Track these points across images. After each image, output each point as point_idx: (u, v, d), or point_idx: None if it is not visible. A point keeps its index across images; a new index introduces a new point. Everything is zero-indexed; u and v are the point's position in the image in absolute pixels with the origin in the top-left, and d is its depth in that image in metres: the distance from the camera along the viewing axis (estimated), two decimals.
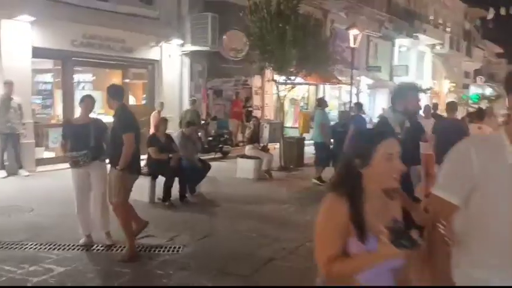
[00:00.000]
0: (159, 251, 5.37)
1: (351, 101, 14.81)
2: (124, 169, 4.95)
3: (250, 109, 14.79)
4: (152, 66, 13.04)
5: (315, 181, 9.68)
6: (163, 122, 8.23)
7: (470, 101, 33.24)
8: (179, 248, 5.46)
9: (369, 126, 10.56)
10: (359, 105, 10.60)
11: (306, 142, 12.72)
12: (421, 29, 27.51)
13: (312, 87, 19.03)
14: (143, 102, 13.63)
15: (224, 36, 13.74)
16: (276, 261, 5.14)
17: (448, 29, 33.52)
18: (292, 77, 11.63)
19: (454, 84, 33.86)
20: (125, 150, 4.92)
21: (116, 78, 12.73)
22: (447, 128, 7.05)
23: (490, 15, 17.49)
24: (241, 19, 13.34)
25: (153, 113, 12.05)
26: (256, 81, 16.03)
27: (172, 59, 13.22)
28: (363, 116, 11.08)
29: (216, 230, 6.28)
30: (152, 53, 12.76)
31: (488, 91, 38.73)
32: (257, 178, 9.99)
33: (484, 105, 31.53)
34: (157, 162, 7.68)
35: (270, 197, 8.44)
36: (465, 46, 36.39)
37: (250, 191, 8.91)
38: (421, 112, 9.09)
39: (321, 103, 10.40)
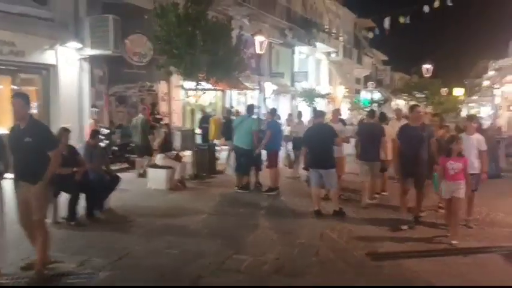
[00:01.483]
0: (69, 279, 4.75)
1: (259, 107, 14.88)
2: (47, 184, 4.73)
3: (158, 116, 14.16)
4: (47, 71, 11.86)
5: (238, 190, 9.48)
6: (64, 132, 7.41)
7: (361, 105, 35.64)
8: (92, 273, 4.89)
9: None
10: (273, 111, 10.62)
11: (217, 148, 12.52)
12: (318, 37, 28.85)
13: (219, 93, 18.87)
14: (34, 111, 12.28)
15: (126, 40, 13.00)
16: (205, 278, 4.83)
17: (341, 38, 35.64)
18: (202, 83, 11.36)
19: (347, 90, 36.06)
20: (51, 166, 4.76)
21: (2, 84, 11.36)
22: (368, 130, 8.54)
23: (389, 22, 19.14)
24: (144, 22, 12.79)
25: (89, 121, 11.03)
26: (162, 87, 15.43)
27: (70, 64, 12.16)
28: (278, 121, 11.12)
29: (133, 249, 5.76)
30: (46, 57, 11.61)
31: (377, 96, 41.89)
32: (170, 188, 9.53)
33: (375, 108, 34.06)
34: (59, 177, 6.89)
35: (186, 208, 8.05)
36: (356, 54, 39.04)
37: (164, 203, 8.44)
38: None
39: (250, 110, 10.20)
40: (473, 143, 6.80)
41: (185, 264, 5.21)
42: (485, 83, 37.93)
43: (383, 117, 9.85)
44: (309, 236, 6.39)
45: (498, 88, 30.99)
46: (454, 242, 5.89)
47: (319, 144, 7.48)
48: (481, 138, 6.95)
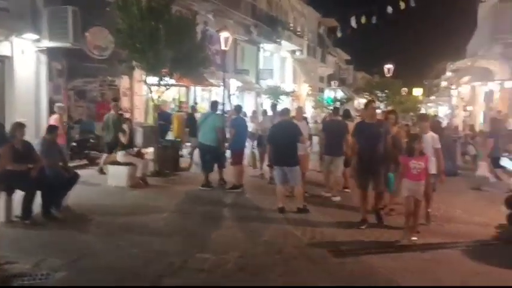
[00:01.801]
0: (23, 280, 4.54)
1: (224, 104, 14.80)
2: None
3: (120, 112, 13.79)
4: (1, 63, 11.30)
5: (201, 187, 9.40)
6: (19, 127, 7.09)
7: (325, 103, 36.15)
8: (48, 274, 4.69)
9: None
10: (238, 108, 10.53)
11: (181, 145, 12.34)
12: (283, 35, 28.97)
13: (183, 89, 18.62)
14: None
15: (87, 33, 12.57)
16: (166, 278, 4.71)
17: (306, 36, 35.96)
18: (165, 78, 11.14)
19: (311, 88, 36.46)
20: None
21: None
22: (333, 127, 9.03)
23: (352, 22, 19.46)
24: (106, 15, 12.40)
25: (53, 116, 10.43)
26: (124, 82, 15.03)
27: (26, 56, 11.64)
28: (244, 117, 11.04)
29: (92, 248, 5.57)
30: (0, 49, 11.08)
31: (340, 94, 42.56)
32: (132, 186, 9.30)
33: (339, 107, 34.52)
34: (13, 174, 6.60)
35: (148, 206, 7.87)
36: (320, 53, 39.49)
37: (125, 201, 8.23)
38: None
39: (214, 106, 10.06)
40: (429, 142, 6.68)
41: (146, 263, 5.07)
42: (443, 83, 39.17)
43: (347, 115, 10.41)
44: (273, 233, 6.38)
45: (455, 89, 32.08)
46: (413, 238, 6.00)
47: (283, 141, 7.47)
48: (435, 136, 6.85)
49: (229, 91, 18.90)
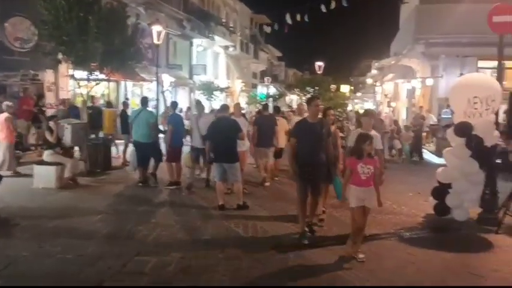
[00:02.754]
0: None
1: (157, 99, 14.41)
2: None
3: (43, 108, 12.96)
4: None
5: (139, 184, 9.27)
6: None
7: (258, 99, 36.52)
8: None
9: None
10: (174, 104, 10.29)
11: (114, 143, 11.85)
12: (216, 31, 28.77)
13: (113, 84, 17.88)
14: None
15: (6, 24, 11.68)
16: (106, 283, 4.48)
17: (238, 32, 36.02)
18: (95, 73, 10.63)
19: (244, 84, 36.63)
20: None
21: None
22: (264, 121, 9.67)
23: (284, 19, 19.80)
24: (28, 4, 11.59)
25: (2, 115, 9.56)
26: (49, 76, 14.12)
27: None
28: (180, 114, 10.81)
29: (20, 255, 5.16)
30: None
31: (272, 90, 43.18)
32: (61, 187, 8.78)
33: (270, 103, 35.01)
34: None
35: (80, 208, 7.45)
36: (253, 49, 39.76)
37: (54, 203, 7.73)
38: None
39: (145, 102, 9.73)
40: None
41: (82, 269, 4.79)
42: (369, 81, 41.06)
43: (277, 110, 11.84)
44: (214, 232, 6.31)
45: (379, 86, 33.78)
46: (361, 255, 5.26)
47: (223, 138, 7.40)
48: (378, 136, 6.35)
49: (162, 86, 18.43)
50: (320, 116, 6.48)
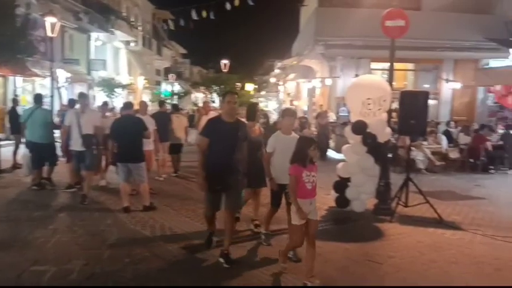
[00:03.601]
0: None
1: (52, 96, 13.40)
2: None
3: None
4: None
5: (33, 187, 8.59)
6: None
7: (162, 97, 35.74)
8: None
9: None
10: (72, 102, 9.57)
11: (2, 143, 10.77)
12: (116, 24, 27.53)
13: (0, 80, 16.27)
14: None
15: None
16: None
17: (140, 27, 34.84)
18: None
19: (147, 81, 35.57)
20: None
21: None
22: (160, 117, 9.84)
23: (188, 15, 19.54)
24: None
25: None
26: None
27: None
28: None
29: None
30: None
31: (177, 88, 42.55)
32: None
33: (176, 100, 34.48)
34: None
35: None
36: (156, 45, 38.75)
37: None
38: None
39: (39, 99, 8.94)
40: (292, 146, 4.76)
41: None
42: (272, 80, 42.22)
43: (175, 108, 12.35)
44: (119, 235, 6.01)
45: (282, 85, 34.88)
46: (316, 281, 4.54)
47: (127, 137, 7.09)
48: (297, 137, 5.25)
49: (57, 82, 17.19)
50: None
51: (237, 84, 40.49)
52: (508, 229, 6.74)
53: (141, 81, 34.09)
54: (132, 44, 32.20)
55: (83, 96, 8.63)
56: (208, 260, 5.21)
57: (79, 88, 23.72)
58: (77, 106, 8.49)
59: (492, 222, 7.22)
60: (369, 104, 7.11)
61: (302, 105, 26.75)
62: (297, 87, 28.24)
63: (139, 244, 5.65)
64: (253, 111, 6.46)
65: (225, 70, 30.96)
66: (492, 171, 12.47)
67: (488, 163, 12.58)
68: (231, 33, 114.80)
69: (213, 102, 47.55)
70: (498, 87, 13.60)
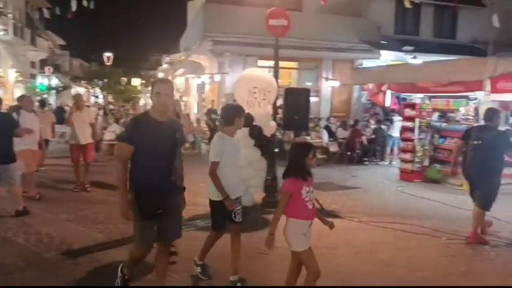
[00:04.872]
0: None
1: None
2: None
3: None
4: None
5: None
6: None
7: (38, 91, 32.94)
8: None
9: None
10: None
11: None
12: None
13: None
14: None
15: None
16: None
17: (11, 15, 31.56)
18: None
19: (20, 73, 32.43)
20: None
21: None
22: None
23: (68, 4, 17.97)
24: None
25: None
26: None
27: None
28: None
29: None
30: None
31: (55, 82, 39.46)
32: None
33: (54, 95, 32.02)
34: None
35: None
36: (29, 35, 35.41)
37: None
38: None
39: None
40: (237, 151, 4.63)
41: None
42: (160, 74, 41.29)
43: (42, 103, 12.04)
44: None
45: (171, 80, 34.26)
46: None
47: None
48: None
49: None
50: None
51: (123, 78, 38.86)
52: (380, 215, 7.42)
53: (12, 74, 30.92)
54: (1, 33, 29.03)
55: None
56: (90, 264, 4.91)
57: None
58: None
59: (366, 209, 7.90)
60: (254, 92, 7.31)
61: (192, 101, 26.58)
62: (186, 83, 27.97)
63: (12, 254, 5.12)
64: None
65: (109, 63, 29.51)
66: (366, 162, 13.66)
67: (363, 155, 13.75)
68: (115, 25, 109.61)
69: (96, 97, 45.16)
70: (371, 86, 14.86)
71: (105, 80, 32.52)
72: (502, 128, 6.17)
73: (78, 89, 44.94)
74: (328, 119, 16.25)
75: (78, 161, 8.71)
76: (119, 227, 6.22)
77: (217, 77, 18.78)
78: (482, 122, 6.98)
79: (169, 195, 3.81)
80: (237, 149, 4.51)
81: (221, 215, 4.43)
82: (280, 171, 8.01)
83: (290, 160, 3.84)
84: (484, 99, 9.69)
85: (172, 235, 3.97)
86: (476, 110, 9.86)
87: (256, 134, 7.34)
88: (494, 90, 9.04)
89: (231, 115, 4.51)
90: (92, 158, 9.15)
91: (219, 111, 17.58)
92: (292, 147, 4.06)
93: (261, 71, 9.05)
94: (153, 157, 3.69)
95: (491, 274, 5.05)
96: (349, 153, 13.82)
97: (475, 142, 6.19)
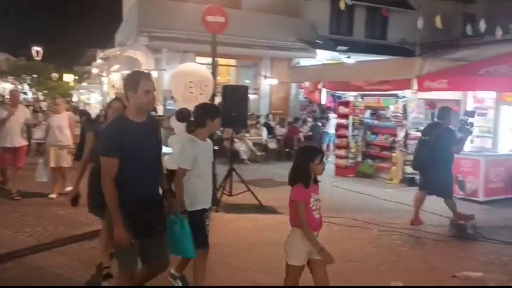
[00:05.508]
0: None
1: None
2: None
3: None
4: None
5: None
6: None
7: None
8: None
9: None
10: None
11: None
12: None
13: None
14: None
15: None
16: None
17: None
18: None
19: None
20: None
21: None
22: None
23: None
24: None
25: None
26: None
27: None
28: None
29: None
30: None
31: None
32: None
33: None
34: None
35: None
36: None
37: None
38: None
39: None
40: (210, 156, 4.27)
41: None
42: (94, 70, 39.69)
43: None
44: None
45: (106, 76, 33.08)
46: None
47: None
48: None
49: None
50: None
51: (54, 74, 36.99)
52: None
53: None
54: None
55: None
56: (18, 268, 4.65)
57: None
58: None
59: None
60: (191, 87, 7.21)
61: None
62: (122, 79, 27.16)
63: None
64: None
65: (38, 58, 27.98)
66: None
67: None
68: (44, 17, 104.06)
69: (25, 94, 42.58)
70: (307, 84, 15.21)
71: (35, 76, 30.73)
72: (453, 126, 6.70)
73: (4, 85, 42.21)
74: (267, 116, 16.46)
75: (7, 166, 7.97)
76: (48, 229, 5.94)
77: (154, 74, 18.37)
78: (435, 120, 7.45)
79: (160, 205, 3.35)
80: (210, 154, 4.09)
81: (203, 226, 3.92)
82: (219, 168, 8.09)
83: (296, 165, 3.60)
84: (412, 97, 10.26)
85: (166, 252, 3.43)
86: (404, 107, 10.39)
87: (193, 130, 7.24)
88: (420, 88, 9.58)
89: (203, 116, 4.10)
90: (24, 163, 8.07)
91: (158, 109, 17.24)
92: (298, 150, 3.85)
93: (197, 65, 8.98)
94: (141, 166, 3.14)
95: (418, 263, 5.36)
96: (287, 149, 14.08)
97: (424, 138, 6.97)
